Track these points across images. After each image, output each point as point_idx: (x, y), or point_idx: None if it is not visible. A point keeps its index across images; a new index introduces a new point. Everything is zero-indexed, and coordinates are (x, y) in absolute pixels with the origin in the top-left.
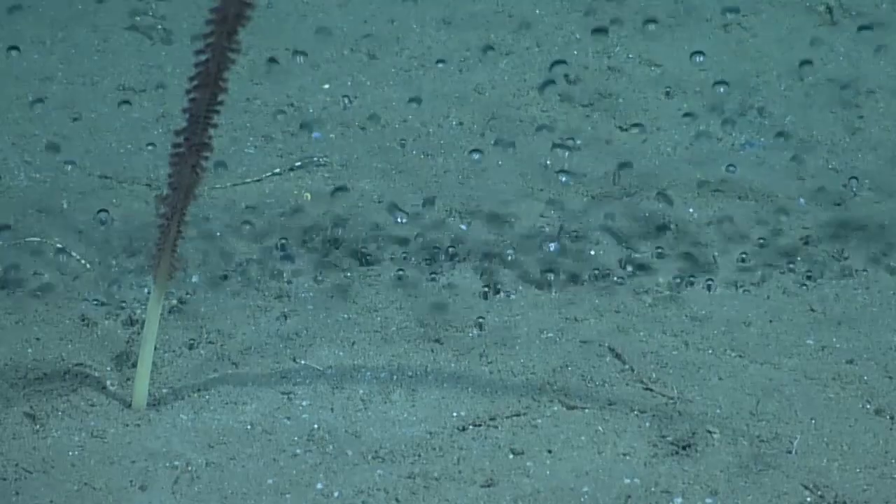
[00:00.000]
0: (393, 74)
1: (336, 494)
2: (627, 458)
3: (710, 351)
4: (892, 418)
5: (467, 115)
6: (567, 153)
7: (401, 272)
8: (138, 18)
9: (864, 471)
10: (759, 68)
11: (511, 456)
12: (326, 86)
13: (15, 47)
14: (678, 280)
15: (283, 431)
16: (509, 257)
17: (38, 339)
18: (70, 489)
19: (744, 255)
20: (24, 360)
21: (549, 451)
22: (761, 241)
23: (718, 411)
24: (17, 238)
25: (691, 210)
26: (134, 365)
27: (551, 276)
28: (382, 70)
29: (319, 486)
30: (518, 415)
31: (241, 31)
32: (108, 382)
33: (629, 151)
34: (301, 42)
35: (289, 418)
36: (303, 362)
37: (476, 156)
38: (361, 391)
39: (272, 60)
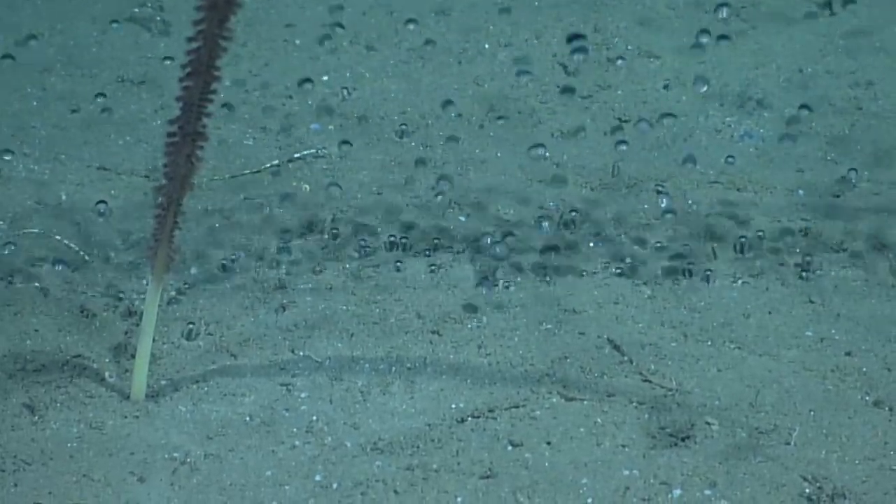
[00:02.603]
0: (392, 66)
1: (335, 486)
2: (626, 449)
3: (709, 342)
4: (890, 410)
5: (466, 107)
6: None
7: (399, 263)
8: (137, 10)
9: (863, 462)
10: (758, 60)
11: (510, 447)
12: (325, 77)
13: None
14: (677, 271)
15: (282, 423)
16: (508, 248)
17: (36, 330)
18: (69, 481)
19: (743, 247)
20: (22, 351)
21: (548, 443)
22: (760, 232)
23: (717, 403)
24: (16, 230)
25: (690, 201)
26: (132, 356)
27: (550, 268)
28: (381, 62)
29: (318, 477)
30: (517, 406)
31: (238, 22)
32: (107, 374)
33: (628, 143)
34: (300, 34)
35: (287, 410)
36: (301, 354)
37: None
38: (360, 383)
39: (271, 52)
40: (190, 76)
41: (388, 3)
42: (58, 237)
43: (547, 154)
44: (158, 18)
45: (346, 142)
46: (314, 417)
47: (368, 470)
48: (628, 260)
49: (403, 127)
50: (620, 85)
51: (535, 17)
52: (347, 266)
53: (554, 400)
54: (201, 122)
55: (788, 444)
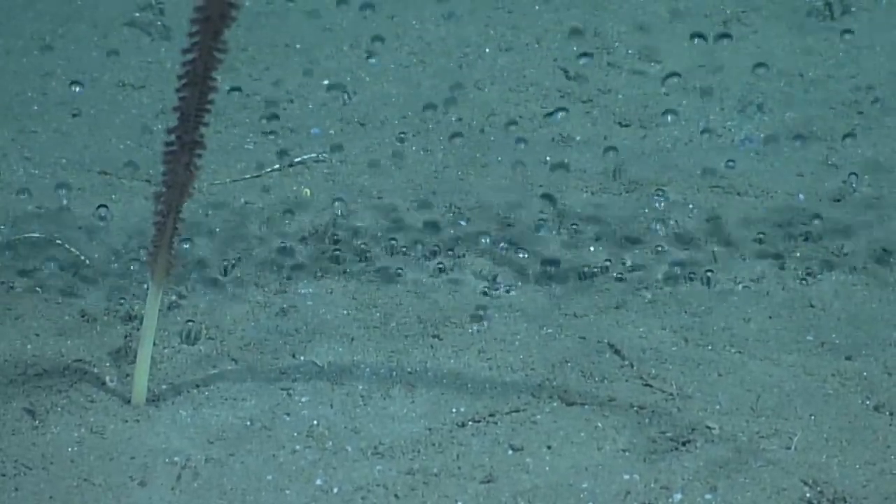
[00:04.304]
0: (392, 70)
1: (335, 490)
2: (627, 454)
3: (710, 347)
4: (891, 414)
5: (467, 111)
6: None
7: (400, 268)
8: (138, 15)
9: (864, 467)
10: (758, 64)
11: (510, 452)
12: (326, 82)
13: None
14: (677, 276)
15: (283, 427)
16: (509, 253)
17: (37, 334)
18: (69, 485)
19: (743, 251)
20: (23, 355)
21: (549, 447)
22: (760, 237)
23: (718, 407)
24: (17, 234)
25: (690, 206)
26: (133, 361)
27: (551, 272)
28: (382, 66)
29: (319, 481)
30: (517, 411)
31: (238, 27)
32: (108, 378)
33: (628, 147)
34: (300, 38)
35: (288, 414)
36: (302, 358)
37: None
38: (361, 387)
39: (271, 56)
40: (186, 87)
41: (389, 7)
42: (59, 241)
43: (547, 158)
44: (159, 23)
45: (346, 146)
46: (315, 422)
47: (369, 474)
48: (629, 264)
49: (403, 132)
50: (621, 89)
51: (535, 20)
52: (348, 270)
53: (555, 404)
54: (198, 132)
55: (789, 448)
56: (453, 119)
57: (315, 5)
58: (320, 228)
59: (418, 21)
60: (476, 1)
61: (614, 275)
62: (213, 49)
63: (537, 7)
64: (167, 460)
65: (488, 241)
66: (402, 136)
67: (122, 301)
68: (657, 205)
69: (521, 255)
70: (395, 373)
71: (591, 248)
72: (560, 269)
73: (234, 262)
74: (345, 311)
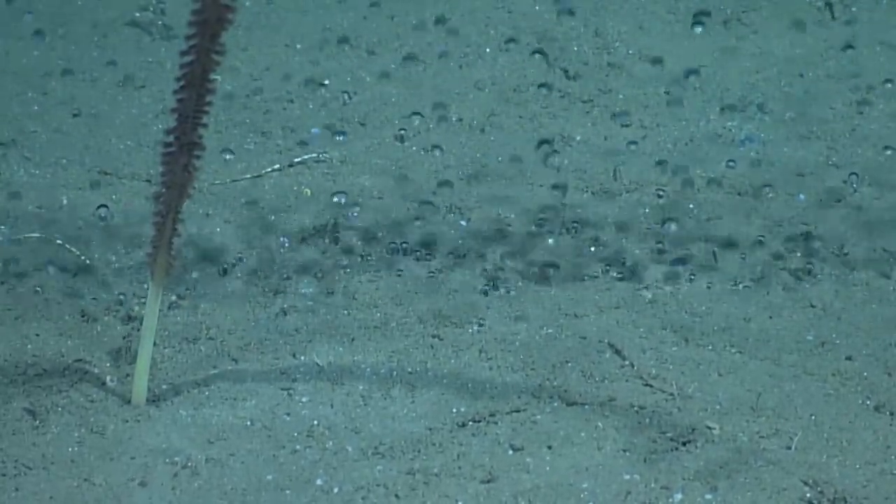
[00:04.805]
0: (392, 70)
1: (336, 490)
2: (627, 453)
3: (710, 347)
4: (891, 414)
5: (467, 112)
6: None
7: (400, 268)
8: (138, 14)
9: (864, 467)
10: (759, 64)
11: (511, 452)
12: (326, 82)
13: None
14: (678, 276)
15: (283, 427)
16: (509, 253)
17: (37, 334)
18: (70, 485)
19: (743, 251)
20: (23, 356)
21: (549, 447)
22: (761, 237)
23: (718, 407)
24: (17, 234)
25: (691, 206)
26: (133, 361)
27: (551, 272)
28: (382, 66)
29: (319, 481)
30: (518, 411)
31: (239, 27)
32: (108, 378)
33: (628, 148)
34: (300, 38)
35: (289, 414)
36: (302, 358)
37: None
38: (361, 387)
39: (271, 56)
40: (184, 88)
41: (389, 8)
42: (59, 241)
43: (548, 159)
44: (160, 23)
45: (346, 146)
46: (315, 422)
47: (369, 474)
48: (629, 264)
49: (403, 131)
50: (621, 89)
51: (535, 21)
52: (348, 270)
53: (555, 404)
54: (197, 133)
55: (789, 448)
56: (453, 119)
57: (315, 5)
58: (320, 228)
59: (418, 21)
60: (476, 1)
61: (614, 275)
62: (211, 51)
63: (537, 7)
64: (167, 460)
65: (488, 240)
66: (402, 136)
67: (122, 301)
68: (657, 204)
69: (521, 256)
70: (395, 373)
71: (592, 248)
72: (560, 269)
73: (234, 262)
74: (345, 311)
